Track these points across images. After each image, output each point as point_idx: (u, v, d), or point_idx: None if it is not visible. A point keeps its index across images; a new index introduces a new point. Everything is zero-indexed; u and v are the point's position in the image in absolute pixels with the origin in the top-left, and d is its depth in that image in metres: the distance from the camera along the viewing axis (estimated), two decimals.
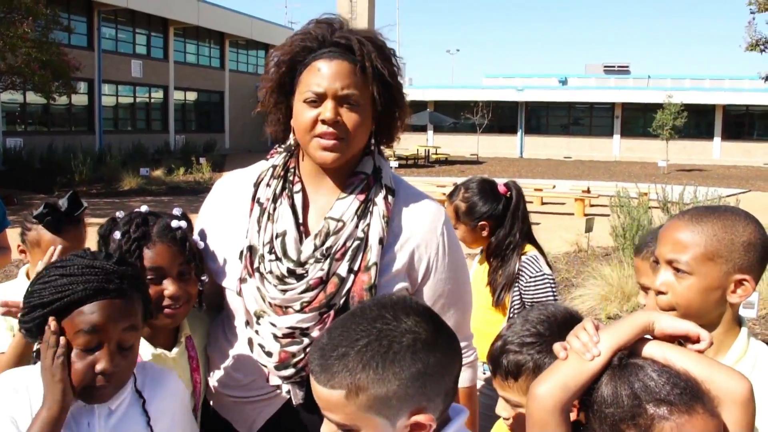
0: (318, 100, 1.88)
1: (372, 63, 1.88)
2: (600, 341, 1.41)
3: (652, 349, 1.41)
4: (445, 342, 1.38)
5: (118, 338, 1.63)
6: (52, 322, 1.60)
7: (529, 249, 3.17)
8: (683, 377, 1.34)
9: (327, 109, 1.87)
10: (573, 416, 1.52)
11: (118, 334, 1.62)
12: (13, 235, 3.14)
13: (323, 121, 1.87)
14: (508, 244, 3.14)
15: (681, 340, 1.44)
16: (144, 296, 1.73)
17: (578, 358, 1.41)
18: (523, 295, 3.07)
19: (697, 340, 1.42)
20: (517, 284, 3.08)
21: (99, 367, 1.60)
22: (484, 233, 3.16)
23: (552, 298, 3.05)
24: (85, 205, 2.60)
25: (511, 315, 3.08)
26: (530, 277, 3.05)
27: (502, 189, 3.23)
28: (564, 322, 1.69)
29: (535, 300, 3.01)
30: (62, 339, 1.60)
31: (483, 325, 3.15)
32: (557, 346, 1.47)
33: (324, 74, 1.88)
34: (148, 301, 1.76)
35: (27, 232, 2.56)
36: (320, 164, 1.95)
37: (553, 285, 3.08)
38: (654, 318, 1.43)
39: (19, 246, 2.63)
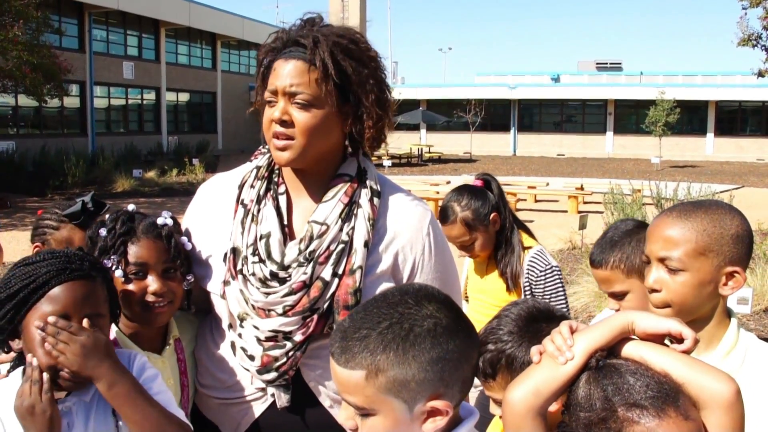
0: (274, 100, 1.88)
1: (323, 60, 1.84)
2: (574, 344, 1.38)
3: (630, 350, 1.38)
4: (464, 330, 1.41)
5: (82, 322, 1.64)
6: (33, 359, 1.59)
7: (533, 244, 3.21)
8: (659, 379, 1.31)
9: (276, 109, 1.86)
10: (555, 407, 1.52)
11: (82, 318, 1.63)
12: (6, 237, 3.10)
13: (274, 121, 1.87)
14: (509, 227, 3.19)
15: (670, 339, 1.41)
16: (107, 280, 1.75)
17: (552, 362, 1.39)
18: (533, 289, 3.10)
19: (681, 339, 1.38)
20: (527, 280, 3.11)
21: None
22: (497, 226, 3.17)
23: (561, 288, 3.11)
24: (108, 204, 2.58)
25: None
26: (540, 272, 3.10)
27: (479, 183, 3.27)
28: (530, 316, 1.71)
29: (546, 293, 3.07)
30: (45, 375, 1.58)
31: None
32: (533, 350, 1.45)
33: (277, 74, 1.88)
34: (113, 287, 1.78)
35: (53, 231, 2.46)
36: (277, 164, 1.95)
37: (560, 276, 3.13)
38: (633, 318, 1.39)
39: (36, 246, 2.50)
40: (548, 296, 3.05)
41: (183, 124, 38.04)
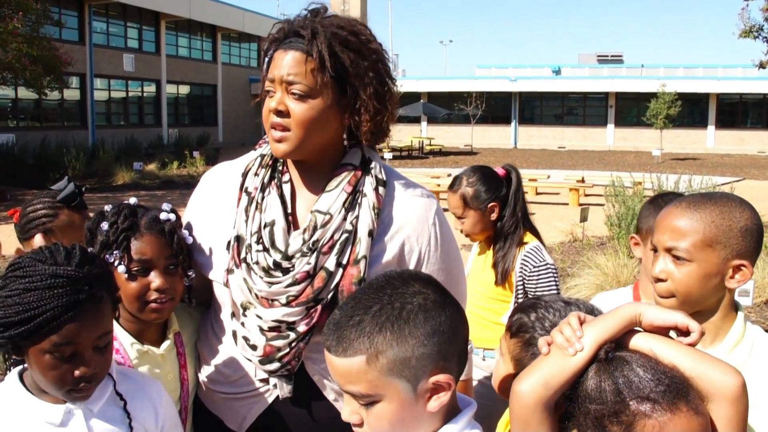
0: (273, 90, 1.88)
1: (319, 51, 1.82)
2: (583, 335, 1.38)
3: (639, 342, 1.38)
4: (452, 303, 1.43)
5: (94, 344, 1.57)
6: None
7: (531, 239, 3.21)
8: (669, 373, 1.31)
9: (273, 99, 1.86)
10: None
11: (94, 341, 1.57)
12: (6, 230, 3.07)
13: (271, 111, 1.87)
14: (512, 224, 3.20)
15: (675, 333, 1.41)
16: (111, 289, 1.65)
17: (561, 354, 1.38)
18: (526, 285, 3.11)
19: (687, 332, 1.38)
20: (521, 274, 3.12)
21: (78, 372, 1.54)
22: (494, 216, 3.20)
23: (554, 287, 3.10)
24: (83, 189, 2.51)
25: (515, 303, 3.11)
26: (534, 267, 3.10)
27: (501, 171, 3.32)
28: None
29: (538, 290, 3.06)
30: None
31: (487, 313, 3.17)
32: (541, 341, 1.44)
33: (276, 64, 1.86)
34: (115, 289, 1.68)
35: (52, 218, 2.34)
36: (275, 156, 1.94)
37: (555, 274, 3.13)
38: (641, 310, 1.40)
39: (41, 235, 2.34)
40: (540, 293, 3.03)
41: (183, 116, 38.02)
